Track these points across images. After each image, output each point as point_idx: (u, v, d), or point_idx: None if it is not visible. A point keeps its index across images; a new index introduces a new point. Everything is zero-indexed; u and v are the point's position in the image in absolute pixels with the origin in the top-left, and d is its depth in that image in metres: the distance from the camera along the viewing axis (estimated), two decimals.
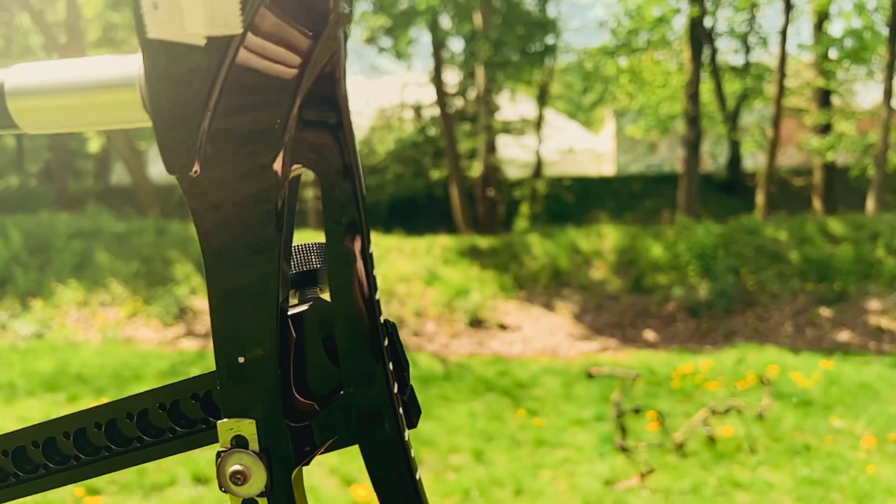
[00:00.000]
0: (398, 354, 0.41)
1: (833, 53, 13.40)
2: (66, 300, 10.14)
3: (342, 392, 0.40)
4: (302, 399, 0.40)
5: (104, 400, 5.93)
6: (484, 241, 11.91)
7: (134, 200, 15.66)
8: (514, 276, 10.80)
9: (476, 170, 15.23)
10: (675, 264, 10.58)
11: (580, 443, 5.24)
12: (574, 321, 9.86)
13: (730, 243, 10.84)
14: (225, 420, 0.39)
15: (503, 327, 9.76)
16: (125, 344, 9.07)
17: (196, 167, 0.38)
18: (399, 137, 17.31)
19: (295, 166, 0.39)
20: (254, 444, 0.39)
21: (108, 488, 4.71)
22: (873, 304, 9.51)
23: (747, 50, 17.55)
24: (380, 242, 11.78)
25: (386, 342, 0.39)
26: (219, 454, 0.40)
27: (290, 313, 0.40)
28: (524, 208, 16.64)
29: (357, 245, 0.38)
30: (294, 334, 0.40)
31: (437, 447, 5.24)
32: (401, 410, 0.41)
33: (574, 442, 5.28)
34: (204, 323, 9.80)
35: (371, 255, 0.39)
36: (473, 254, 11.40)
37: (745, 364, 7.57)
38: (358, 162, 0.39)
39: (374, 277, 0.39)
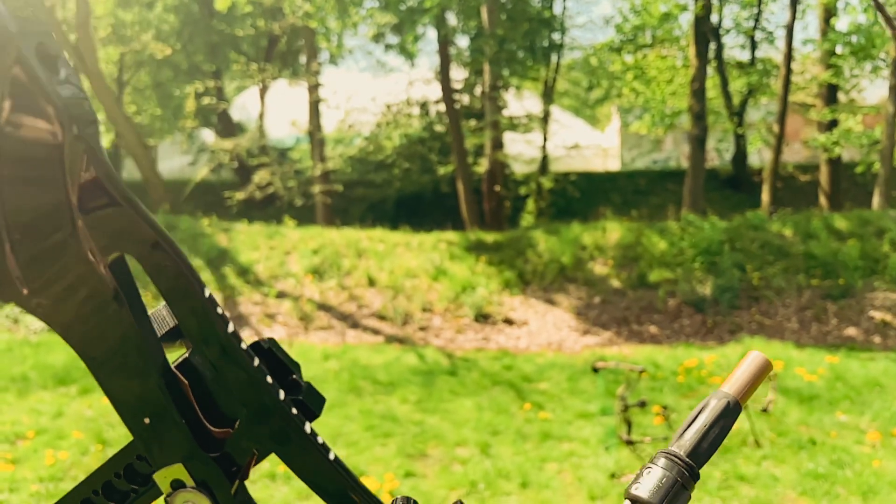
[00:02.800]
0: (282, 363, 0.47)
1: (840, 49, 13.37)
2: None
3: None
4: (217, 429, 0.46)
5: None
6: (490, 237, 11.96)
7: (144, 196, 15.75)
8: (520, 271, 10.85)
9: (482, 166, 15.27)
10: (681, 260, 10.61)
11: (585, 436, 5.30)
12: (579, 316, 9.91)
13: (735, 239, 10.86)
14: (158, 471, 0.45)
15: (509, 322, 9.82)
16: None
17: (23, 290, 0.41)
18: (406, 133, 17.35)
19: (115, 252, 0.44)
20: (190, 482, 0.45)
21: None
22: (879, 300, 9.53)
23: (753, 45, 17.52)
24: (386, 238, 11.85)
25: (257, 361, 0.45)
26: (166, 500, 0.45)
27: (175, 364, 0.46)
28: (530, 204, 16.67)
29: (193, 296, 0.44)
30: (185, 381, 0.45)
31: (443, 440, 5.30)
32: (294, 410, 0.46)
33: (579, 435, 5.33)
34: None
35: (210, 296, 0.45)
36: (479, 249, 11.46)
37: None
38: (155, 225, 0.44)
39: (220, 315, 0.45)
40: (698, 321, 9.57)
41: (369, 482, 4.62)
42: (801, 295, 9.85)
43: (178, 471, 0.45)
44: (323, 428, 5.70)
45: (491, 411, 6.05)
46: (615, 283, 10.53)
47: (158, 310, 0.49)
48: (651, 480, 0.41)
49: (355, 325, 9.70)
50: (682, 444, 0.44)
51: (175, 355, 0.47)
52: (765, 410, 4.96)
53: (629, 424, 4.49)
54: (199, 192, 17.41)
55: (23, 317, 9.71)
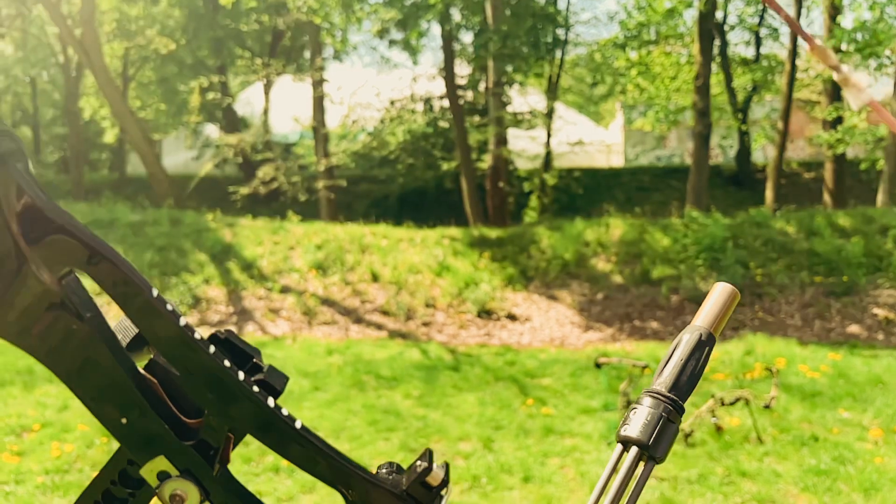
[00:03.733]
0: (242, 350, 0.49)
1: (845, 46, 13.33)
2: None
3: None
4: (190, 420, 0.48)
5: None
6: (493, 233, 11.97)
7: (149, 191, 15.80)
8: (523, 267, 10.86)
9: (486, 162, 15.27)
10: (684, 256, 10.61)
11: (588, 432, 5.32)
12: (582, 312, 9.93)
13: (738, 236, 10.86)
14: (144, 466, 0.47)
15: (512, 318, 9.84)
16: None
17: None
18: (409, 129, 17.36)
19: (62, 271, 0.47)
20: (174, 472, 0.47)
21: None
22: (882, 297, 9.52)
23: (758, 42, 17.48)
24: (390, 233, 11.87)
25: (213, 349, 0.47)
26: (156, 492, 0.48)
27: (144, 366, 0.49)
28: (533, 200, 16.67)
29: (140, 298, 0.47)
30: (155, 379, 0.48)
31: (446, 435, 5.33)
32: (256, 389, 0.48)
33: (582, 431, 5.35)
34: (217, 311, 9.93)
35: (158, 295, 0.47)
36: (483, 245, 11.47)
37: (752, 355, 7.61)
38: (94, 239, 0.47)
39: (171, 311, 0.47)
40: None
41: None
42: (804, 292, 9.85)
43: (161, 463, 0.47)
44: (326, 422, 5.73)
45: (493, 406, 6.07)
46: (618, 279, 10.54)
47: (121, 320, 0.52)
48: (639, 419, 0.44)
49: (359, 320, 9.72)
50: (663, 381, 0.46)
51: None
52: (767, 407, 4.97)
53: None
54: (204, 187, 17.45)
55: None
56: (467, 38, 16.57)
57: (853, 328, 9.06)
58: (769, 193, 15.15)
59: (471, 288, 10.23)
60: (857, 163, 15.62)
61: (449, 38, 14.89)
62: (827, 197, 14.76)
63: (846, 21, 13.54)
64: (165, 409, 0.49)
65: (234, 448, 0.49)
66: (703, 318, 0.49)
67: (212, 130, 20.45)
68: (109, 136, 20.70)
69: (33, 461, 4.91)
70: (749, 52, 18.03)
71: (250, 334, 9.23)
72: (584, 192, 17.21)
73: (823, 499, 4.17)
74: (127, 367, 0.48)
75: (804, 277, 10.08)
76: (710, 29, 13.93)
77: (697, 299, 9.84)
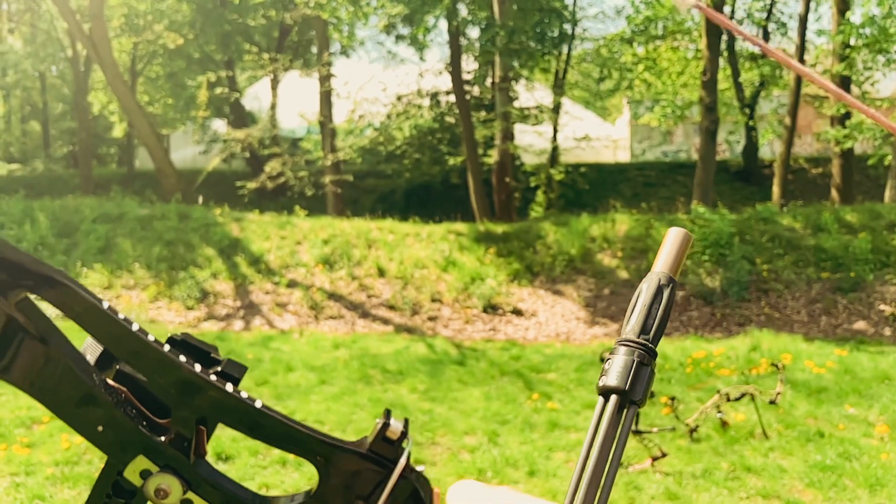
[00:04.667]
0: (198, 347, 0.52)
1: (853, 41, 13.26)
2: (91, 283, 10.34)
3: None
4: (162, 420, 0.51)
5: None
6: (499, 228, 11.98)
7: (157, 185, 15.86)
8: (529, 262, 10.88)
9: (492, 157, 15.27)
10: (690, 252, 10.59)
11: None
12: (588, 307, 9.93)
13: (745, 231, 10.84)
14: (127, 468, 0.50)
15: (517, 313, 9.86)
16: (148, 325, 9.25)
17: None
18: (416, 124, 17.36)
19: (17, 297, 0.50)
20: (155, 468, 0.50)
21: None
22: (889, 293, 9.50)
23: (766, 37, 17.40)
24: (396, 228, 11.89)
25: (168, 348, 0.50)
26: (139, 490, 0.51)
27: (112, 377, 0.52)
28: (539, 195, 16.67)
29: (93, 311, 0.50)
30: (124, 387, 0.51)
31: (452, 429, 5.36)
32: (214, 378, 0.51)
33: (587, 425, 5.34)
34: (225, 305, 9.98)
35: (110, 307, 0.50)
36: (489, 240, 11.48)
37: (758, 351, 7.61)
38: (38, 264, 0.51)
39: (124, 318, 0.51)
40: (707, 313, 9.58)
41: None
42: (810, 288, 9.83)
43: (142, 462, 0.50)
44: (333, 416, 5.77)
45: (499, 401, 6.10)
46: (624, 274, 10.54)
47: (87, 339, 0.55)
48: (615, 368, 0.46)
49: (365, 314, 9.76)
50: (632, 329, 0.49)
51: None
52: (773, 402, 4.98)
53: (637, 415, 4.51)
54: (211, 182, 17.50)
55: (39, 303, 9.82)
56: (474, 33, 16.55)
57: (860, 324, 9.04)
58: (776, 189, 15.10)
59: (477, 283, 10.25)
60: (865, 158, 15.55)
61: (456, 34, 14.88)
62: (834, 193, 14.70)
63: (855, 16, 13.45)
64: (137, 412, 0.52)
65: (208, 440, 0.52)
66: (661, 263, 0.52)
67: (219, 125, 20.50)
68: (118, 131, 20.79)
69: (43, 453, 4.96)
70: (757, 48, 17.95)
71: (257, 328, 9.28)
72: (590, 188, 17.19)
73: (829, 494, 4.18)
74: (95, 380, 0.52)
75: (811, 273, 10.06)
76: (716, 24, 13.87)
77: (704, 295, 9.84)
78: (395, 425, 0.47)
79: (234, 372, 0.53)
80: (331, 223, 12.09)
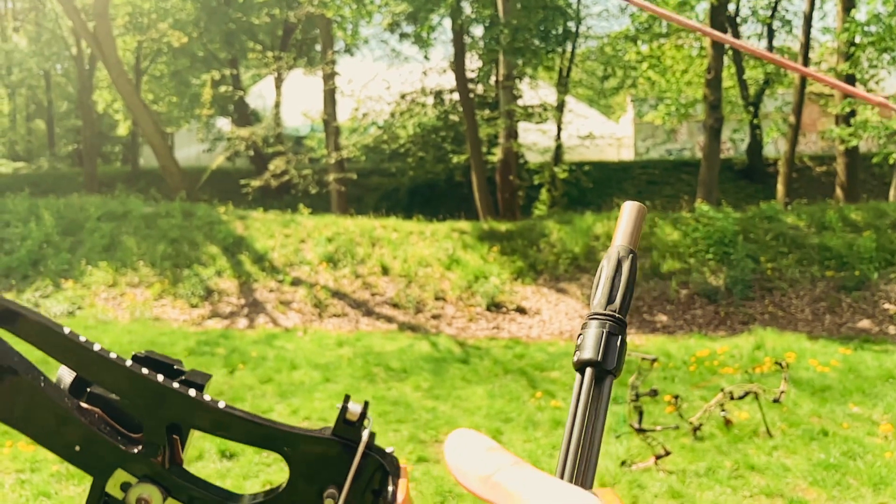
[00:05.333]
0: (161, 361, 0.54)
1: (858, 39, 13.22)
2: (96, 280, 10.38)
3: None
4: (135, 435, 0.54)
5: None
6: (503, 226, 11.98)
7: (161, 183, 15.90)
8: (533, 260, 10.88)
9: (496, 155, 15.27)
10: (694, 250, 10.59)
11: None
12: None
13: (749, 230, 10.83)
14: (108, 483, 0.52)
15: (521, 311, 9.86)
16: (153, 323, 9.28)
17: None
18: (420, 123, 17.37)
19: None
20: (133, 479, 0.52)
21: None
22: (894, 292, 9.48)
23: (771, 34, 17.36)
24: (400, 227, 11.90)
25: (130, 363, 0.52)
26: (122, 502, 0.53)
27: (85, 399, 0.54)
28: (543, 194, 16.66)
29: (55, 337, 0.52)
30: (97, 408, 0.53)
31: (456, 426, 5.37)
32: (177, 385, 0.54)
33: None
34: (229, 303, 10.00)
35: (70, 331, 0.52)
36: (492, 238, 11.49)
37: (762, 349, 7.61)
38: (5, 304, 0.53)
39: (85, 341, 0.53)
40: (711, 312, 9.57)
41: None
42: (814, 286, 9.81)
43: (121, 475, 0.53)
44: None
45: (503, 399, 6.10)
46: None
47: (61, 368, 0.58)
48: (586, 342, 0.47)
49: (369, 312, 9.77)
50: (598, 302, 0.50)
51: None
52: (777, 401, 4.98)
53: (640, 413, 4.52)
54: (216, 180, 17.53)
55: (42, 302, 9.86)
56: (478, 31, 16.54)
57: (864, 323, 9.03)
58: (780, 187, 15.07)
59: (480, 281, 10.26)
60: (870, 157, 15.50)
61: (460, 32, 14.88)
62: (839, 191, 14.67)
63: (860, 14, 13.40)
64: (112, 429, 0.54)
65: (184, 448, 0.54)
66: (620, 237, 0.53)
67: (224, 123, 20.53)
68: (122, 129, 20.83)
69: (48, 450, 4.98)
70: (761, 45, 17.90)
71: (261, 326, 9.30)
72: (594, 186, 17.18)
73: (832, 493, 4.18)
74: (68, 403, 0.54)
75: (815, 272, 10.04)
76: (722, 21, 13.84)
77: (707, 293, 9.83)
78: (354, 407, 0.49)
79: (197, 379, 0.55)
80: (335, 221, 12.11)
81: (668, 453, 4.47)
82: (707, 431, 5.04)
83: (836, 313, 9.27)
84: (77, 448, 0.52)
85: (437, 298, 10.04)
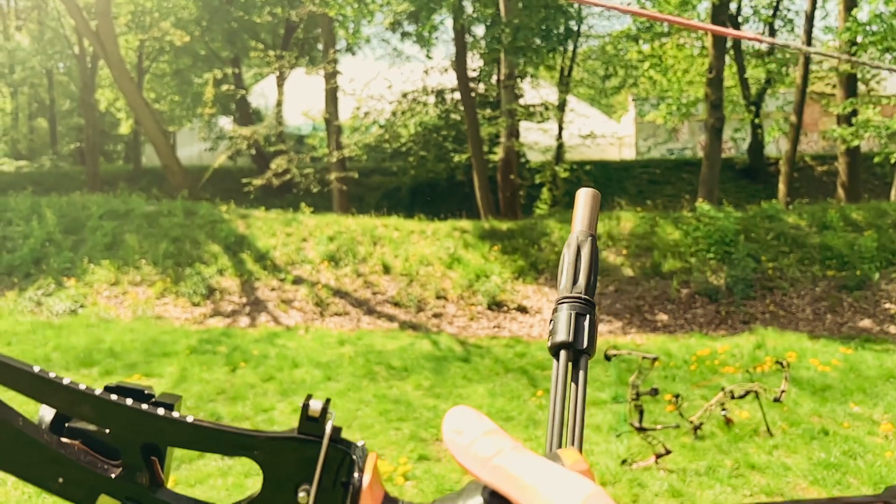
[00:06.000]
0: (132, 388, 0.57)
1: (860, 39, 13.20)
2: (98, 279, 10.40)
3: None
4: (114, 462, 0.56)
5: (136, 376, 6.09)
6: (504, 225, 11.99)
7: (163, 182, 15.92)
8: (534, 259, 10.89)
9: (497, 154, 15.28)
10: (695, 250, 10.60)
11: (597, 423, 5.35)
12: None
13: (750, 229, 10.83)
14: None
15: (522, 310, 9.87)
16: (155, 322, 9.30)
17: None
18: (421, 122, 17.38)
19: None
20: (118, 502, 0.55)
21: None
22: (895, 292, 9.48)
23: (772, 34, 17.35)
24: (401, 226, 11.91)
25: (99, 391, 0.55)
26: None
27: (64, 434, 0.56)
28: (544, 193, 16.67)
29: (27, 377, 0.54)
30: (76, 441, 0.56)
31: None
32: (146, 407, 0.56)
33: (591, 422, 5.39)
34: (231, 302, 10.02)
35: (41, 369, 0.55)
36: (493, 237, 11.50)
37: (763, 349, 7.62)
38: None
39: (54, 377, 0.55)
40: (711, 311, 9.58)
41: (383, 465, 4.70)
42: (815, 286, 9.82)
43: (104, 501, 0.55)
44: (338, 412, 5.80)
45: (503, 398, 6.12)
46: (629, 272, 10.55)
47: (42, 408, 0.60)
48: (559, 326, 0.49)
49: (370, 311, 9.79)
50: (565, 287, 0.52)
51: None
52: (777, 400, 4.98)
53: (641, 412, 4.53)
54: (217, 179, 17.56)
55: (45, 300, 9.89)
56: (480, 30, 16.55)
57: (865, 322, 9.03)
58: (782, 187, 15.07)
59: (481, 280, 10.27)
60: (872, 156, 15.50)
61: (461, 31, 14.88)
62: (840, 190, 14.66)
63: (862, 13, 13.39)
64: (91, 458, 0.56)
65: (163, 468, 0.56)
66: (579, 223, 0.55)
67: (225, 122, 20.55)
68: (124, 128, 20.86)
69: None
70: (763, 45, 17.89)
71: (263, 325, 9.32)
72: (595, 185, 17.13)
73: (833, 492, 4.19)
74: (47, 439, 0.56)
75: (816, 271, 10.05)
76: (723, 21, 13.84)
77: (708, 293, 9.84)
78: (315, 403, 0.51)
79: (167, 400, 0.57)
80: (336, 220, 12.13)
81: (668, 452, 4.48)
82: (707, 430, 5.05)
83: (837, 313, 9.28)
84: (60, 480, 0.55)
85: (438, 297, 10.06)
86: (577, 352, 0.49)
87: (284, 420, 5.71)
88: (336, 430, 0.51)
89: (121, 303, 9.98)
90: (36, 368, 0.55)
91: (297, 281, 10.39)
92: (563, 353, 0.49)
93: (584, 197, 0.55)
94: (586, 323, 0.50)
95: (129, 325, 9.00)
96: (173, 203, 12.54)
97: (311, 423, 0.51)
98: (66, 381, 0.54)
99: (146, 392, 0.57)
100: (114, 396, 0.54)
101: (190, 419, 0.54)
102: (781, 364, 5.31)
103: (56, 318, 9.36)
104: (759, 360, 7.09)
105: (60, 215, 11.81)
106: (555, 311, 0.51)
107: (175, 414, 0.54)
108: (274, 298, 10.03)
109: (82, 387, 0.54)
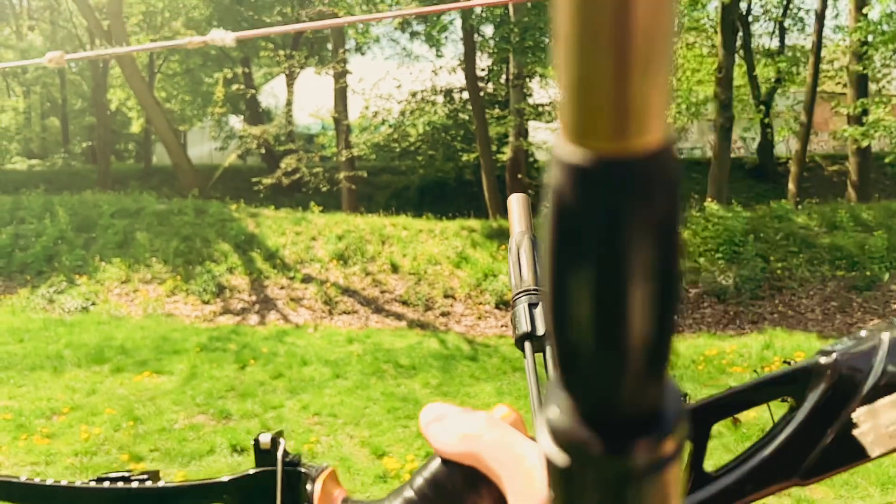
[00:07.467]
0: (123, 476, 0.63)
1: (871, 38, 13.14)
2: (109, 277, 10.49)
3: None
4: None
5: (146, 373, 6.13)
6: None
7: (174, 181, 16.02)
8: None
9: (506, 154, 15.29)
10: (703, 249, 10.58)
11: None
12: None
13: (759, 229, 10.80)
14: None
15: None
16: (165, 319, 9.38)
17: None
18: (430, 121, 17.41)
19: None
20: None
21: (150, 455, 4.97)
22: None
23: (782, 33, 17.28)
24: (410, 225, 11.95)
25: (80, 483, 0.62)
26: None
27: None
28: None
29: (12, 485, 0.61)
30: None
31: None
32: (121, 484, 0.62)
33: None
34: (240, 300, 10.09)
35: (25, 478, 0.62)
36: (502, 237, 11.52)
37: (771, 349, 7.60)
38: None
39: (37, 482, 0.65)
40: (720, 311, 9.57)
41: (390, 462, 4.74)
42: (825, 286, 9.79)
43: None
44: (346, 409, 5.84)
45: (511, 396, 6.14)
46: None
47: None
48: (517, 320, 0.52)
49: (378, 309, 9.83)
50: (514, 285, 0.55)
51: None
52: (785, 400, 4.97)
53: None
54: (227, 178, 17.65)
55: (57, 297, 9.98)
56: (488, 30, 16.55)
57: (874, 323, 8.99)
58: (791, 186, 15.01)
59: (489, 279, 10.29)
60: (882, 156, 15.41)
61: (470, 31, 14.90)
62: (850, 190, 14.59)
63: (873, 13, 13.32)
64: None
65: None
66: (515, 225, 0.58)
67: (236, 122, 20.66)
68: (136, 127, 20.99)
69: (63, 443, 5.07)
70: (773, 44, 17.83)
71: (272, 323, 9.38)
72: None
73: (840, 492, 4.20)
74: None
75: (825, 271, 10.01)
76: (733, 20, 13.80)
77: (717, 292, 9.82)
78: (264, 437, 0.56)
79: (152, 477, 0.63)
80: (345, 219, 12.18)
81: None
82: (715, 430, 5.04)
83: (846, 313, 9.25)
84: None
85: (446, 296, 10.09)
86: (538, 338, 0.52)
87: (293, 417, 5.76)
88: (287, 455, 0.55)
89: (132, 300, 10.06)
90: (23, 477, 0.60)
91: (306, 279, 10.44)
92: (527, 344, 0.51)
93: (514, 202, 0.59)
94: (539, 311, 0.53)
95: (140, 323, 9.08)
96: (184, 202, 12.62)
97: (265, 455, 0.56)
98: (49, 482, 0.60)
99: (129, 475, 0.63)
100: (93, 483, 0.60)
101: (162, 483, 0.59)
102: (789, 364, 5.31)
103: (68, 315, 9.46)
104: (768, 361, 7.08)
105: (72, 214, 11.91)
106: (513, 306, 0.54)
107: (134, 483, 0.59)
108: (283, 297, 10.09)
109: (64, 482, 0.60)
